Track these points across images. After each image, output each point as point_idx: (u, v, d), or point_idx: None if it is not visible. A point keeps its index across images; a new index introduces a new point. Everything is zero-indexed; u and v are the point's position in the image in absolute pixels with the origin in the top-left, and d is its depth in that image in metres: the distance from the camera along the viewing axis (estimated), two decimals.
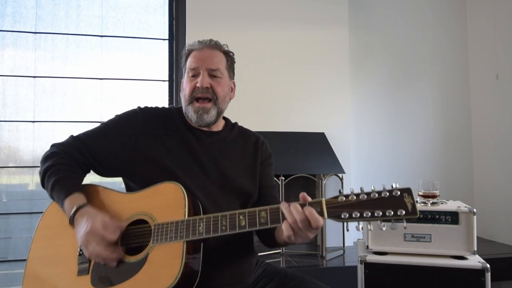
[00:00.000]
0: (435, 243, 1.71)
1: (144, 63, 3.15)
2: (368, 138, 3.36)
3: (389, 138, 3.40)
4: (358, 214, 0.89)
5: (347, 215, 0.90)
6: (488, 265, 1.61)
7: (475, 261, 1.65)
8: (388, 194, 0.89)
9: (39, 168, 1.24)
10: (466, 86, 3.55)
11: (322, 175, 2.71)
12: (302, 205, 0.94)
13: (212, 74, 1.25)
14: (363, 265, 1.71)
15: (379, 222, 0.89)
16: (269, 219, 0.97)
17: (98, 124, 1.29)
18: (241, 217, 1.00)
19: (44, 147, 1.29)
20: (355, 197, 0.90)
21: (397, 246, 1.75)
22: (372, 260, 1.71)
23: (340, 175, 2.80)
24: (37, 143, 2.91)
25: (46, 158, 1.21)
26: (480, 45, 3.45)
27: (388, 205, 0.88)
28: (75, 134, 1.26)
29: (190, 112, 1.25)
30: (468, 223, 1.69)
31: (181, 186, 1.10)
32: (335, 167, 2.77)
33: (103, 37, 3.09)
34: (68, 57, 3.03)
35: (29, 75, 2.95)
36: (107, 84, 3.07)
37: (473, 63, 3.53)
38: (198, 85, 1.23)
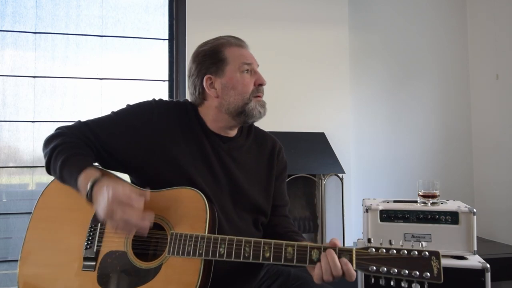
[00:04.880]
0: (435, 243, 1.71)
1: (144, 63, 3.15)
2: (368, 138, 3.35)
3: (389, 138, 3.40)
4: (385, 270, 0.89)
5: (374, 269, 0.90)
6: (488, 265, 1.61)
7: (475, 261, 1.65)
8: (416, 253, 0.90)
9: (43, 151, 1.13)
10: (466, 86, 3.55)
11: (322, 175, 2.71)
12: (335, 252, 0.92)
13: None
14: None
15: (402, 280, 0.90)
16: (295, 257, 0.95)
17: (108, 113, 1.20)
18: (266, 247, 0.97)
19: None
20: (384, 251, 0.91)
21: (397, 246, 1.74)
22: None
23: (340, 175, 2.80)
24: (37, 143, 2.91)
25: (52, 137, 1.12)
26: (480, 45, 3.45)
27: (415, 265, 0.89)
28: (83, 120, 1.17)
29: (255, 107, 1.19)
30: (468, 223, 1.69)
31: (203, 197, 1.04)
32: (335, 167, 2.77)
33: (103, 37, 3.09)
34: (68, 57, 3.03)
35: (29, 75, 2.95)
36: (107, 84, 3.07)
37: (473, 63, 3.52)
38: (261, 83, 1.21)
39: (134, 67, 3.12)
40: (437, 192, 1.79)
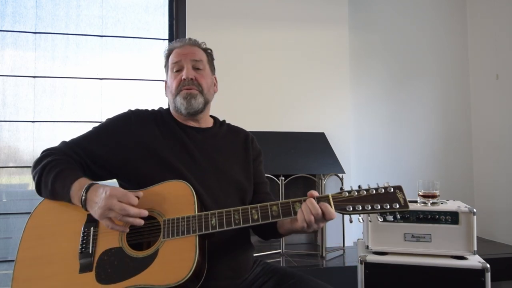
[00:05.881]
0: (435, 243, 1.71)
1: (144, 63, 3.15)
2: (368, 138, 3.36)
3: (389, 138, 3.40)
4: (360, 207, 1.04)
5: (351, 208, 1.04)
6: (488, 265, 1.61)
7: (475, 261, 1.65)
8: (383, 190, 1.05)
9: (32, 172, 1.19)
10: (466, 86, 3.55)
11: (322, 175, 2.71)
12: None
13: (195, 66, 1.30)
14: (363, 265, 1.71)
15: (377, 214, 1.05)
16: (281, 212, 1.06)
17: (90, 129, 1.29)
18: (253, 211, 1.06)
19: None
20: (356, 193, 1.05)
21: (397, 246, 1.74)
22: (372, 260, 1.71)
23: (340, 175, 2.80)
24: (37, 143, 2.91)
25: (41, 158, 1.19)
26: (480, 45, 3.45)
27: (384, 199, 1.04)
28: (67, 140, 1.25)
29: (178, 101, 1.27)
30: (468, 223, 1.69)
31: (189, 185, 1.12)
32: (335, 167, 2.77)
33: (103, 37, 3.09)
34: (68, 57, 3.03)
35: (29, 75, 2.95)
36: (107, 84, 3.07)
37: (473, 63, 3.53)
38: (183, 77, 1.27)
39: (134, 67, 3.12)
40: (437, 192, 1.79)
